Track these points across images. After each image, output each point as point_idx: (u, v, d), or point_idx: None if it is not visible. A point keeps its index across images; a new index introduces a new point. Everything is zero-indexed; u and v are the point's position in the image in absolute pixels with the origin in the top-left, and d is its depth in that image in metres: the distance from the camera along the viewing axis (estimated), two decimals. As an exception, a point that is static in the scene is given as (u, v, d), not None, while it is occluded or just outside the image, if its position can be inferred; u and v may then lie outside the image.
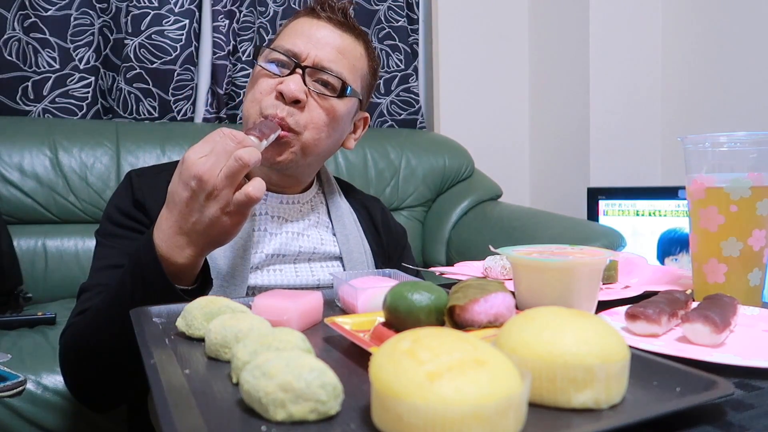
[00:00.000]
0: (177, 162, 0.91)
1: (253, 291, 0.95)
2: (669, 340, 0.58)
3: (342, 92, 0.96)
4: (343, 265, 1.03)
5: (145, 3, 1.90)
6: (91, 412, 1.01)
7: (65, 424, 1.04)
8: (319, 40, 0.96)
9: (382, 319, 0.60)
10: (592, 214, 2.05)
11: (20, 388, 1.03)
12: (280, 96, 0.92)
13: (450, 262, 1.96)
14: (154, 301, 0.71)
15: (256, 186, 0.73)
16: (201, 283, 0.81)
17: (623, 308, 0.66)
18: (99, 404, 0.90)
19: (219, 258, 0.92)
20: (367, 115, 1.09)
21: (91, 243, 1.67)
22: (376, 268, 1.07)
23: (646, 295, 0.72)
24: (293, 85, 0.91)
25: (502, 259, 0.87)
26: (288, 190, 1.03)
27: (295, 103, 0.92)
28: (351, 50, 0.99)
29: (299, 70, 0.93)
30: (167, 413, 0.39)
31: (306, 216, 1.04)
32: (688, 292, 0.68)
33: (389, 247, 1.15)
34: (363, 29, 1.03)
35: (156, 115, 1.96)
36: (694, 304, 0.66)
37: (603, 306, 0.69)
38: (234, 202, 0.73)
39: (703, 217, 0.73)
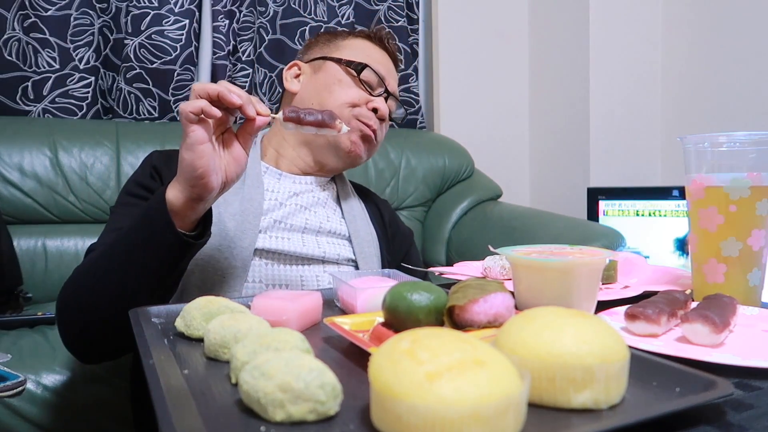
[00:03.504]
0: None
1: (261, 254, 0.98)
2: (668, 340, 0.58)
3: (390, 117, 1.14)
4: (351, 245, 1.08)
5: (145, 3, 1.90)
6: (81, 362, 0.98)
7: (65, 424, 1.04)
8: (390, 72, 1.14)
9: (381, 320, 0.60)
10: (592, 214, 2.05)
11: (20, 388, 1.02)
12: (373, 111, 1.08)
13: (450, 262, 1.96)
14: (152, 237, 0.77)
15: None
16: (200, 232, 0.83)
17: (623, 308, 0.66)
18: (87, 354, 0.91)
19: (227, 220, 0.97)
20: None
21: (90, 242, 1.67)
22: (382, 253, 1.12)
23: (646, 295, 0.72)
24: (384, 107, 1.09)
25: (501, 259, 0.87)
26: (306, 174, 1.12)
27: (381, 120, 1.10)
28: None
29: (385, 94, 1.10)
30: (166, 414, 0.39)
31: (314, 195, 1.11)
32: (688, 292, 0.68)
33: (395, 241, 1.21)
34: None
35: (156, 115, 1.96)
36: (694, 304, 0.66)
37: (602, 306, 0.69)
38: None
39: (703, 217, 0.73)
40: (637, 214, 1.97)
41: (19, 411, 1.02)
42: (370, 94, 1.09)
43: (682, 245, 1.90)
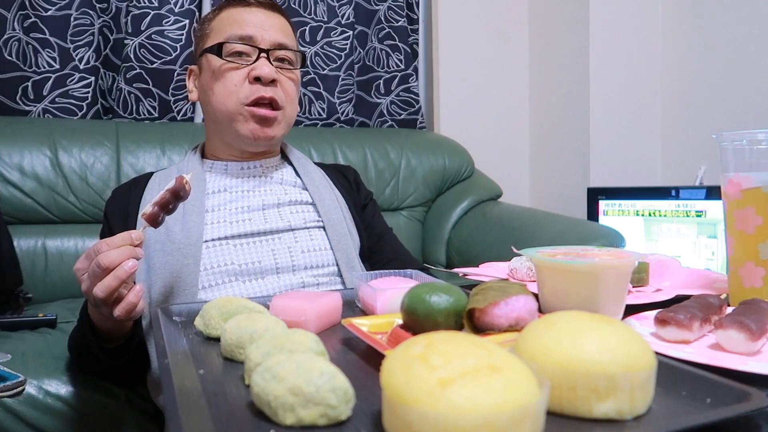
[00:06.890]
0: (148, 174, 1.12)
1: (228, 239, 1.00)
2: (701, 347, 0.56)
3: (302, 63, 1.09)
4: (317, 210, 1.08)
5: (145, 3, 1.89)
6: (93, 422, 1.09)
7: (67, 429, 1.03)
8: (263, 24, 1.04)
9: (400, 321, 0.58)
10: (592, 214, 2.05)
11: (20, 388, 1.02)
12: (255, 80, 1.01)
13: (450, 262, 1.95)
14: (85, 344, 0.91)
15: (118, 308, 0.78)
16: (126, 344, 0.94)
17: (653, 312, 0.63)
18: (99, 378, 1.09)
19: (172, 224, 0.98)
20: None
21: (90, 243, 1.66)
22: (353, 217, 1.13)
23: (678, 299, 0.68)
24: (266, 68, 1.01)
25: (528, 260, 0.84)
26: (251, 159, 1.11)
27: (272, 82, 1.02)
28: (285, 26, 1.09)
29: (263, 54, 1.02)
30: (175, 414, 0.38)
31: (268, 175, 1.11)
32: (723, 296, 0.66)
33: (365, 199, 1.23)
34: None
35: (156, 115, 1.95)
36: (729, 310, 0.64)
37: (632, 310, 0.67)
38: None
39: (739, 218, 0.70)
40: (637, 214, 1.97)
41: (21, 415, 1.00)
42: (245, 66, 1.02)
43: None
